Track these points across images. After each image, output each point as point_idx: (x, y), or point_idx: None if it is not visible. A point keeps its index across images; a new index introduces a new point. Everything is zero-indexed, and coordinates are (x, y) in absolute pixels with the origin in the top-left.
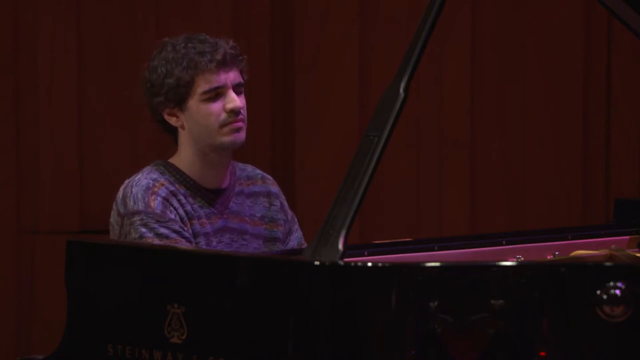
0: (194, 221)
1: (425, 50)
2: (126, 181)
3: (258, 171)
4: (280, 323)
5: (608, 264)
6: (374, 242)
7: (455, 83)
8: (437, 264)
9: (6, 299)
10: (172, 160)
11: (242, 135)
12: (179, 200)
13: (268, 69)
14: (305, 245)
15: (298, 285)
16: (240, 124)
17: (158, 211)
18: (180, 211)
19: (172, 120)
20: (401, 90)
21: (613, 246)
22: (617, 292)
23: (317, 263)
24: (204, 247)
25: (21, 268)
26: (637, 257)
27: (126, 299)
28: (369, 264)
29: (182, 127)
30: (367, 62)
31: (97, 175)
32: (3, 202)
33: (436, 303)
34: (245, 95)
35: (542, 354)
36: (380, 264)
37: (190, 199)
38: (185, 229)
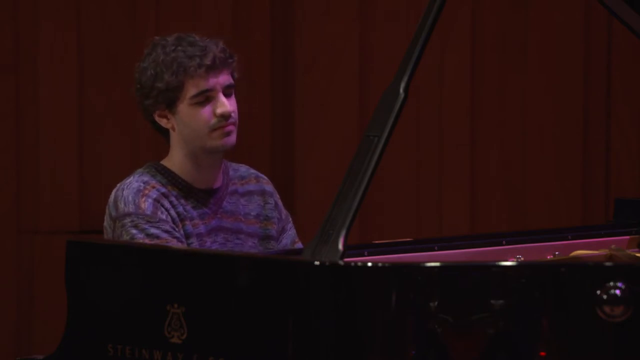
0: (186, 222)
1: (425, 50)
2: (118, 185)
3: (252, 171)
4: (280, 323)
5: (608, 264)
6: (374, 242)
7: (455, 83)
8: (437, 264)
9: (6, 299)
10: (164, 162)
11: (232, 138)
12: (170, 202)
13: (268, 69)
14: (298, 243)
15: (298, 285)
16: (230, 127)
17: (148, 212)
18: (172, 212)
19: (163, 122)
20: (401, 90)
21: (613, 246)
22: (617, 292)
23: (317, 263)
24: (197, 247)
25: (21, 268)
26: (637, 257)
27: (126, 298)
28: (369, 264)
29: (173, 128)
30: (367, 62)
31: (97, 175)
32: (3, 202)
33: (436, 303)
34: (236, 95)
35: (542, 354)
36: (380, 264)
37: (183, 201)
38: (177, 229)
